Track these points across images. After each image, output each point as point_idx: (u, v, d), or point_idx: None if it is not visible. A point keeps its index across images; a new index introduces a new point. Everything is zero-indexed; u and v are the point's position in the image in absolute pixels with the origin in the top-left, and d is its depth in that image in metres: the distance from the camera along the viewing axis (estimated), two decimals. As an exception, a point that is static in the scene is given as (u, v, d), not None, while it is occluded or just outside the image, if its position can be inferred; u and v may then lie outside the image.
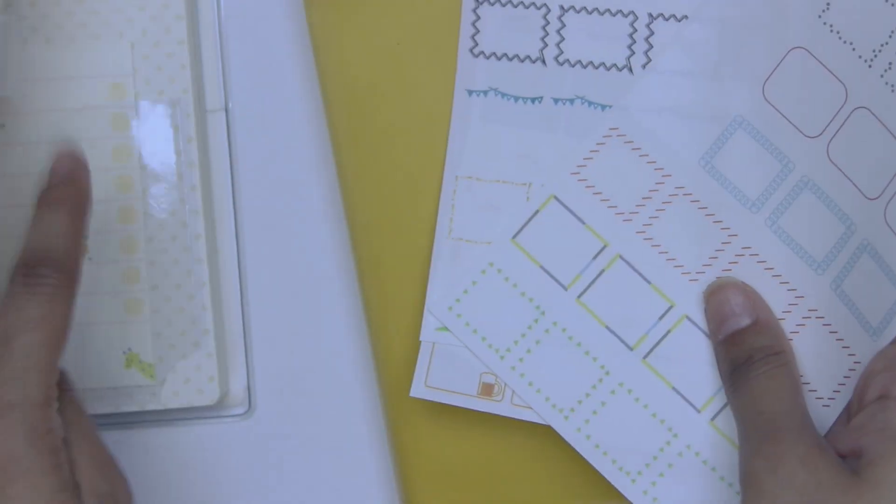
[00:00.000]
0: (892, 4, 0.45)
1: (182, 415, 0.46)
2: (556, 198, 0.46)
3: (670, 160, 0.45)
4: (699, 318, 0.45)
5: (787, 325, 0.44)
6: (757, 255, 0.45)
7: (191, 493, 0.46)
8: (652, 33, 0.46)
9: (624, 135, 0.45)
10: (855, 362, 0.44)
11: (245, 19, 0.47)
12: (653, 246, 0.45)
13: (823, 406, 0.44)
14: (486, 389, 0.46)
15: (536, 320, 0.46)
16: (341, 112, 0.47)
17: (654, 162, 0.45)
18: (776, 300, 0.44)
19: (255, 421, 0.46)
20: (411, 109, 0.47)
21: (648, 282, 0.45)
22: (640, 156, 0.45)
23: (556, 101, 0.46)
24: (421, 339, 0.46)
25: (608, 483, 0.45)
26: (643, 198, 0.45)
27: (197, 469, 0.46)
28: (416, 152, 0.47)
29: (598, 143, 0.46)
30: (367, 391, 0.46)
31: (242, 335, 0.46)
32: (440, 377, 0.46)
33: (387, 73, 0.47)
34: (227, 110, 0.46)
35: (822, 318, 0.44)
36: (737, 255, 0.45)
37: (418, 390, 0.46)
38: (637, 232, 0.45)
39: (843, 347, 0.44)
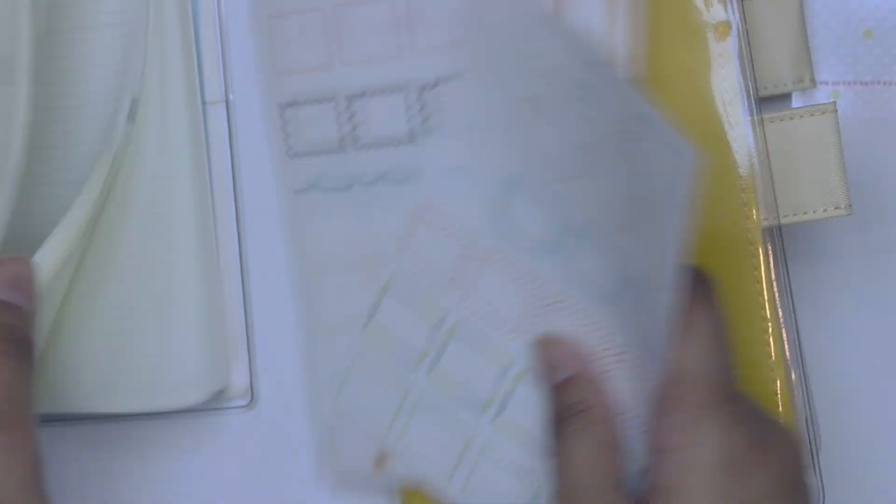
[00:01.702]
0: None
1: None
2: (392, 279, 0.47)
3: (466, 223, 0.45)
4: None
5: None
6: (568, 303, 0.44)
7: (191, 483, 0.48)
8: (424, 104, 0.46)
9: (428, 206, 0.46)
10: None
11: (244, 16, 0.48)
12: (481, 308, 0.46)
13: None
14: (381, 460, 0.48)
15: (405, 397, 0.47)
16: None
17: (456, 228, 0.45)
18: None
19: (257, 414, 0.48)
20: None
21: (484, 344, 0.46)
22: (443, 226, 0.46)
23: (363, 185, 0.47)
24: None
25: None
26: (461, 263, 0.46)
27: (197, 460, 0.48)
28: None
29: (409, 220, 0.46)
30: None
31: (245, 327, 0.48)
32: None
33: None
34: (227, 102, 0.48)
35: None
36: (553, 303, 0.44)
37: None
38: (464, 299, 0.46)
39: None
